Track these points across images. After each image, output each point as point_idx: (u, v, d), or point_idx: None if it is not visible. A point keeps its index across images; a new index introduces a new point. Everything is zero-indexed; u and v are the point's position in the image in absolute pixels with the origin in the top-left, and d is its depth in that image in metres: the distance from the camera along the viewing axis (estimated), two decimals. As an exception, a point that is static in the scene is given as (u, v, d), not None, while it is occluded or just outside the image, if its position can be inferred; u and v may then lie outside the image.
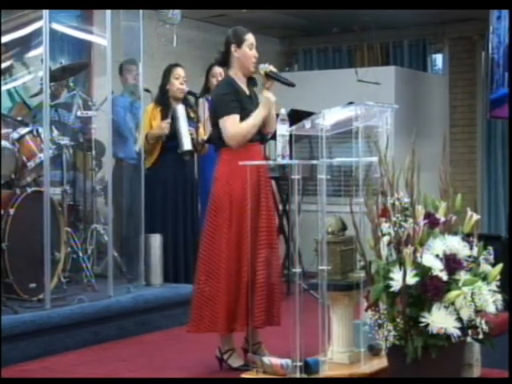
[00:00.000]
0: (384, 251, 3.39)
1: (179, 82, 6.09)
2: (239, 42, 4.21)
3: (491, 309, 3.32)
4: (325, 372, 3.68)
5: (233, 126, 4.12)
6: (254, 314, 4.05)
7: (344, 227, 3.89)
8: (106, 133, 5.61)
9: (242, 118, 4.15)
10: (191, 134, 6.02)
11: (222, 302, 4.10)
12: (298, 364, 3.62)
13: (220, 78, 6.38)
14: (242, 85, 4.27)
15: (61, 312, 4.75)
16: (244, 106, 4.20)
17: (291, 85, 4.28)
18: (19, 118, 5.61)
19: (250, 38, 4.25)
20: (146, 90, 6.09)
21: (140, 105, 6.01)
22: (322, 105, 4.06)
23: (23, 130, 5.21)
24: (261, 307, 4.07)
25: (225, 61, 4.31)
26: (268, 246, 4.14)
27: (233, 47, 4.23)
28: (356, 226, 3.59)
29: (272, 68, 4.24)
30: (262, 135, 4.30)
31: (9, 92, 6.42)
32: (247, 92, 4.29)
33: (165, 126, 5.94)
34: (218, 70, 6.43)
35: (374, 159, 3.65)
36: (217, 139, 4.27)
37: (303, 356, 3.64)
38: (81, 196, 6.09)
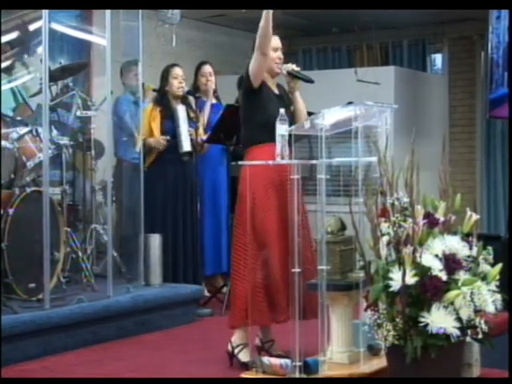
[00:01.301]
0: (383, 251, 3.39)
1: (178, 81, 6.10)
2: None
3: (490, 309, 3.32)
4: (324, 372, 3.67)
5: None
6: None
7: (343, 227, 3.89)
8: (105, 133, 5.61)
9: (268, 115, 4.16)
10: (191, 135, 6.03)
11: (278, 292, 4.11)
12: (298, 364, 3.62)
13: (210, 77, 6.42)
14: (272, 85, 4.39)
15: (60, 312, 4.75)
16: (271, 103, 4.26)
17: (311, 81, 4.46)
18: (18, 118, 5.61)
19: (273, 41, 4.37)
20: (155, 90, 6.13)
21: (142, 105, 6.01)
22: (321, 105, 4.06)
23: (22, 130, 5.21)
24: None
25: None
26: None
27: None
28: (355, 225, 3.59)
29: (294, 66, 4.43)
30: None
31: (12, 91, 6.42)
32: (276, 91, 4.40)
33: (162, 143, 5.98)
34: (208, 69, 6.44)
35: (374, 159, 3.65)
36: (243, 138, 4.34)
37: (303, 356, 3.64)
38: (80, 196, 6.09)
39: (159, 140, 6.00)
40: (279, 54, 4.40)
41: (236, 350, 4.25)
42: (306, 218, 4.24)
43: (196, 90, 6.42)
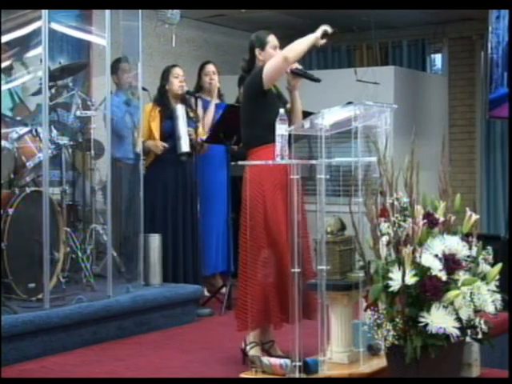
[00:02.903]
0: (383, 251, 3.39)
1: (179, 81, 6.10)
2: (262, 45, 4.33)
3: (490, 309, 3.32)
4: (324, 372, 3.68)
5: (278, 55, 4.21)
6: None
7: (343, 227, 3.89)
8: (101, 132, 5.62)
9: (274, 115, 4.15)
10: (190, 135, 6.03)
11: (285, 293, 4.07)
12: (297, 364, 3.62)
13: (213, 76, 6.42)
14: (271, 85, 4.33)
15: (60, 312, 4.75)
16: (275, 104, 4.22)
17: (317, 80, 4.39)
18: (18, 118, 5.61)
19: (272, 39, 4.37)
20: (144, 89, 6.10)
21: (136, 103, 6.01)
22: (321, 105, 4.06)
23: (22, 130, 5.20)
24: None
25: (250, 67, 4.37)
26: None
27: (257, 51, 4.35)
28: (355, 225, 3.59)
29: (298, 65, 4.35)
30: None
31: (10, 92, 6.42)
32: (275, 90, 4.36)
33: (160, 148, 5.99)
34: (211, 69, 6.44)
35: (373, 159, 3.65)
36: (248, 139, 4.30)
37: (302, 356, 3.64)
38: (80, 196, 6.09)
39: (158, 145, 6.01)
40: (278, 51, 4.34)
41: (248, 347, 4.24)
42: (305, 219, 4.23)
43: (199, 89, 6.42)
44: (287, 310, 3.99)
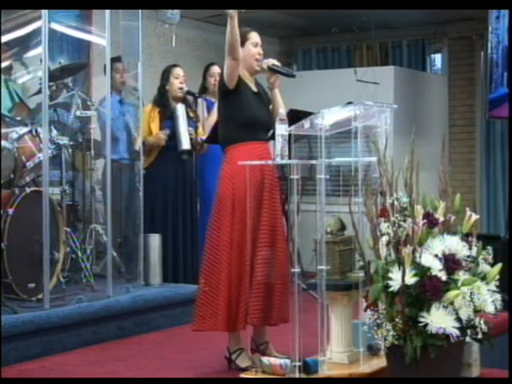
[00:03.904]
0: (383, 251, 3.39)
1: (179, 81, 6.10)
2: (242, 41, 4.24)
3: (490, 309, 3.32)
4: (324, 372, 3.68)
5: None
6: (249, 312, 4.04)
7: (343, 227, 3.89)
8: (98, 133, 5.62)
9: (249, 114, 4.14)
10: (190, 134, 6.02)
11: (222, 300, 4.10)
12: (297, 364, 3.62)
13: (218, 78, 6.40)
14: (250, 83, 4.28)
15: (60, 312, 4.75)
16: (250, 102, 4.20)
17: (291, 76, 4.36)
18: (18, 118, 5.61)
19: (253, 36, 4.29)
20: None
21: (130, 103, 6.01)
22: (321, 105, 4.06)
23: (22, 130, 5.20)
24: (257, 306, 4.04)
25: None
26: (269, 245, 4.11)
27: None
28: (355, 225, 3.59)
29: (275, 61, 4.29)
30: (267, 132, 4.28)
31: (9, 92, 6.42)
32: (255, 89, 4.29)
33: (162, 138, 5.96)
34: (216, 70, 6.43)
35: (373, 159, 3.65)
36: (222, 137, 4.27)
37: (302, 356, 3.64)
38: (80, 196, 6.09)
39: (158, 135, 5.99)
40: (259, 49, 4.26)
41: (233, 356, 4.22)
42: (273, 219, 4.18)
43: (204, 90, 6.42)
44: (237, 316, 4.04)
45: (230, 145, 4.21)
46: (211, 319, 4.14)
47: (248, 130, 4.15)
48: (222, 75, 4.24)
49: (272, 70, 4.28)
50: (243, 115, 4.16)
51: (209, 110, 6.40)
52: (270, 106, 4.32)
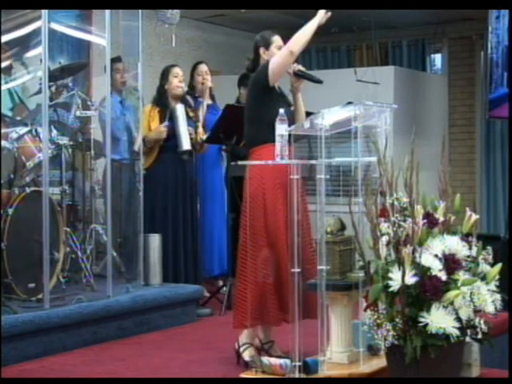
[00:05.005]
0: (383, 251, 3.39)
1: (178, 80, 6.09)
2: (267, 45, 4.33)
3: (490, 309, 3.32)
4: (324, 372, 3.68)
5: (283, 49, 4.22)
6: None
7: (343, 227, 3.89)
8: (99, 133, 5.61)
9: (274, 115, 4.12)
10: (190, 134, 6.02)
11: (271, 294, 4.12)
12: (297, 364, 3.62)
13: (206, 76, 6.41)
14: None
15: (60, 312, 4.75)
16: (279, 102, 4.22)
17: (319, 82, 4.39)
18: (18, 118, 5.61)
19: (277, 39, 4.37)
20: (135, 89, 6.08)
21: (131, 103, 6.01)
22: (320, 105, 4.06)
23: (22, 130, 5.20)
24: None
25: (255, 66, 4.37)
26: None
27: (261, 50, 4.35)
28: (355, 225, 3.59)
29: (300, 67, 4.36)
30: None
31: (9, 92, 6.42)
32: (279, 91, 4.36)
33: (163, 130, 5.95)
34: (204, 69, 6.43)
35: (373, 159, 3.65)
36: (251, 137, 4.29)
37: (302, 356, 3.64)
38: (80, 196, 6.09)
39: (159, 129, 5.97)
40: None
41: (241, 349, 4.24)
42: (307, 218, 4.22)
43: (192, 89, 6.41)
44: (286, 309, 3.99)
45: (257, 145, 4.22)
46: (281, 312, 4.12)
47: (273, 131, 4.14)
48: (265, 71, 4.23)
49: (298, 76, 4.33)
50: (271, 115, 4.09)
51: (196, 109, 6.37)
52: (292, 108, 4.36)
